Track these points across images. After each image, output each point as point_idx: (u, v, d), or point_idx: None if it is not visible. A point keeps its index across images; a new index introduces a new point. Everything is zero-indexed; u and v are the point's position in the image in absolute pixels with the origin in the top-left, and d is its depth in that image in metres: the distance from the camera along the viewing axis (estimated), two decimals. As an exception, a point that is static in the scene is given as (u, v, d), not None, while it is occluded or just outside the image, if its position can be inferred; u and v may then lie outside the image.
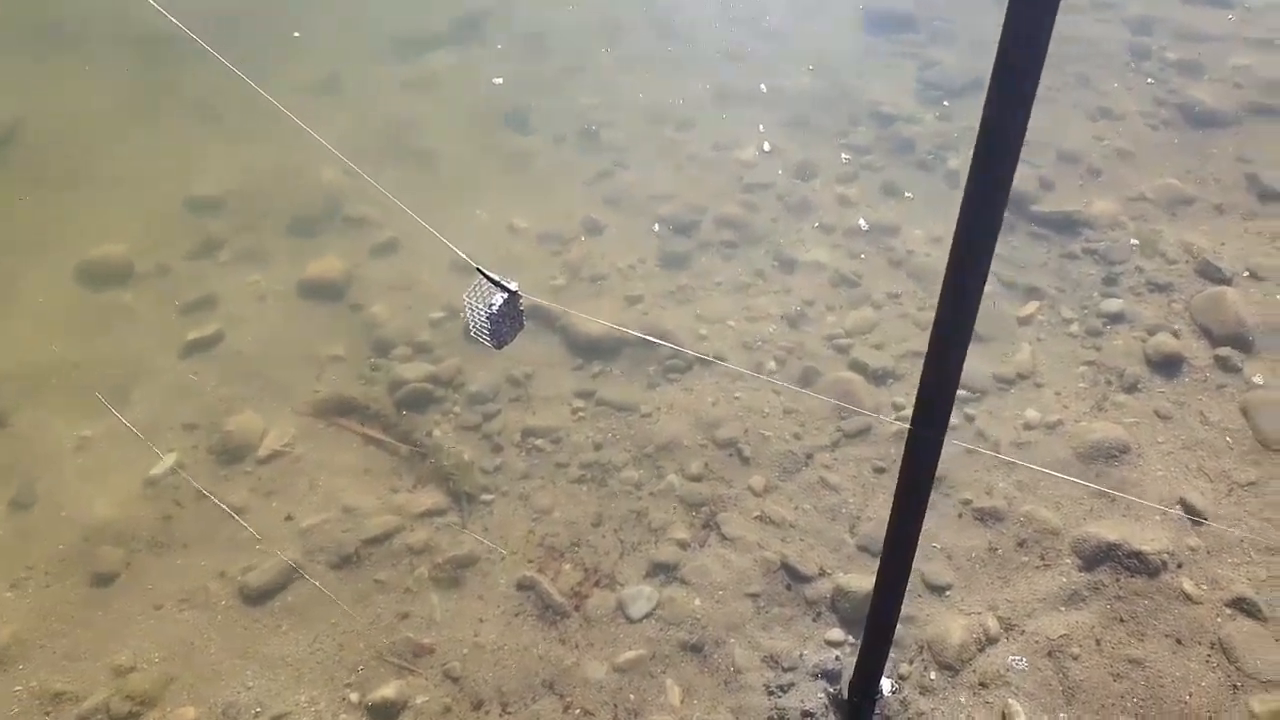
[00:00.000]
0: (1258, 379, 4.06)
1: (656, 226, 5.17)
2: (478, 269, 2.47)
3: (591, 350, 4.49)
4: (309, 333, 4.65)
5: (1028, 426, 4.05)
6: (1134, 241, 4.82)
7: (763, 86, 6.08)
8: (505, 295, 2.44)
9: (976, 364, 4.26)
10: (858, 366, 4.38)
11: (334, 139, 5.92)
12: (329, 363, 4.49)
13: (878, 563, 3.12)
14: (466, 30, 6.70)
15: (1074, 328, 4.47)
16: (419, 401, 4.28)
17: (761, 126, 5.82)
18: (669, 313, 4.69)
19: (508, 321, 2.50)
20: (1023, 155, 5.35)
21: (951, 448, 3.78)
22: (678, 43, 6.60)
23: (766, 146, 5.66)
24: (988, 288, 4.76)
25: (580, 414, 4.23)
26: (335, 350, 4.55)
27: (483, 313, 2.48)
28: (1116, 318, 4.48)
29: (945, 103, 5.90)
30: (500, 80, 6.40)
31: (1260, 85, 5.82)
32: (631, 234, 5.14)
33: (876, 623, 2.78)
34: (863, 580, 3.45)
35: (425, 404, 4.28)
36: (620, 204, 5.35)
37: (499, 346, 2.52)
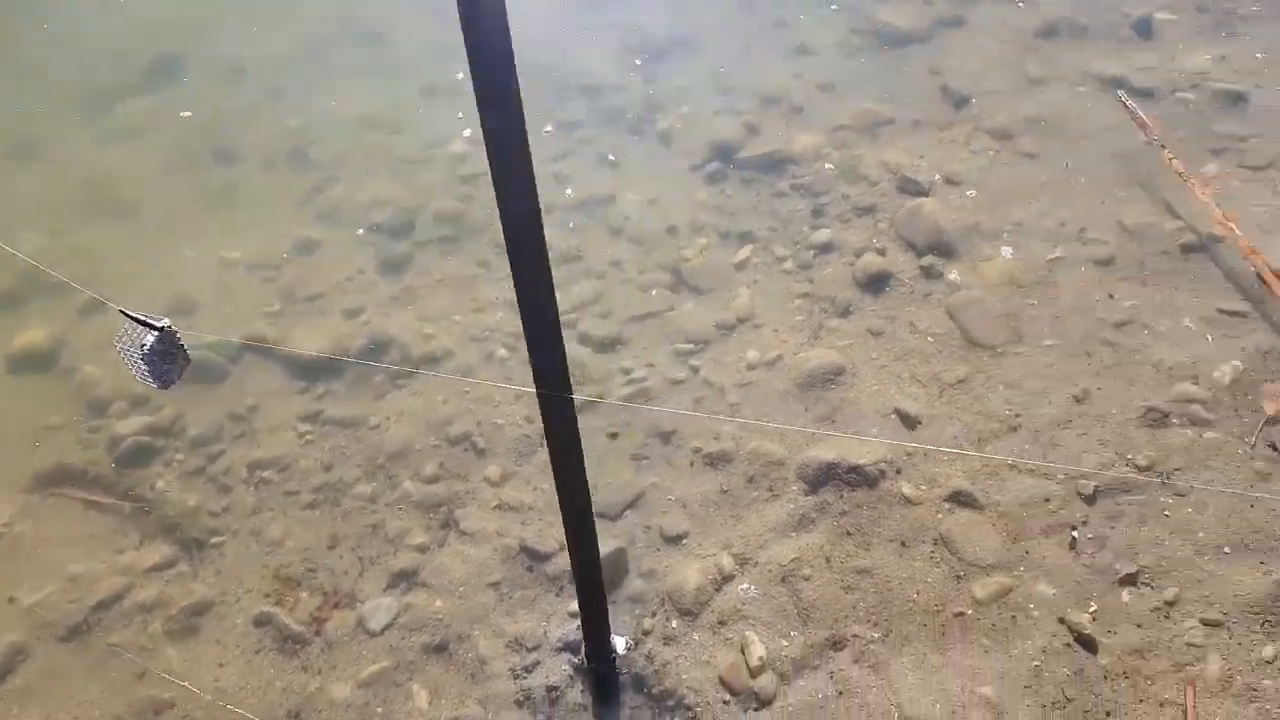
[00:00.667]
0: (959, 279, 4.28)
1: (362, 232, 5.13)
2: (121, 311, 2.41)
3: (314, 371, 4.45)
4: (23, 407, 4.49)
5: (750, 367, 4.18)
6: (828, 167, 5.01)
7: (461, 76, 6.09)
8: (156, 334, 2.39)
9: (700, 316, 4.42)
10: (585, 339, 4.44)
11: (28, 204, 5.69)
12: (45, 433, 4.34)
13: (613, 527, 3.14)
14: (162, 74, 6.52)
15: (788, 264, 4.63)
16: (140, 456, 4.17)
17: (460, 114, 5.81)
18: (392, 318, 4.68)
19: (167, 360, 2.46)
20: (727, 104, 5.53)
21: (682, 399, 3.86)
22: (380, 49, 6.56)
23: (467, 133, 5.66)
24: (703, 240, 4.93)
25: (308, 437, 4.18)
26: (51, 420, 4.41)
27: (136, 355, 2.43)
28: (826, 247, 4.65)
29: (650, 66, 6.02)
30: (189, 114, 6.24)
31: None
32: (347, 246, 5.12)
33: (582, 585, 2.83)
34: (600, 546, 3.51)
35: (147, 457, 4.17)
36: (334, 218, 5.31)
37: (164, 387, 2.47)
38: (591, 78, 5.96)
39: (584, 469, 2.52)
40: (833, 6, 6.15)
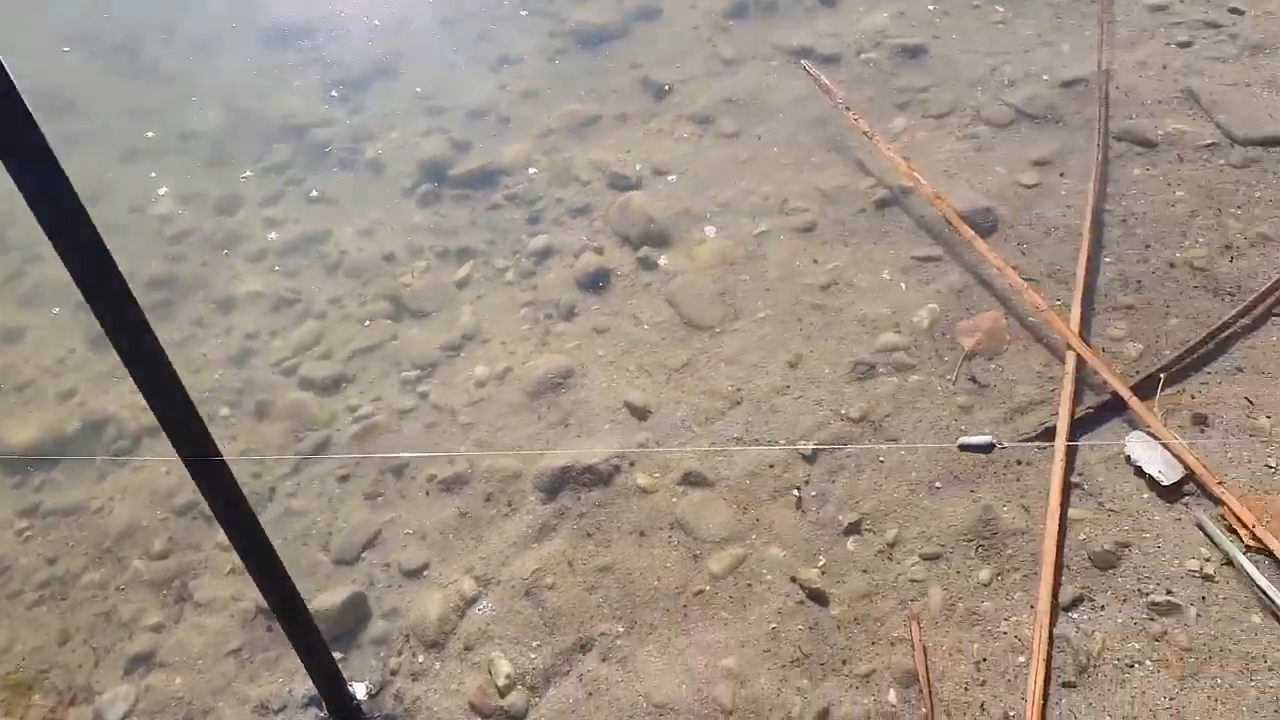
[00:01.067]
0: (674, 266, 4.38)
1: (56, 310, 4.88)
2: None
3: (29, 461, 4.19)
4: None
5: (479, 384, 4.17)
6: (539, 173, 5.05)
7: (151, 134, 5.87)
8: None
9: (425, 340, 4.39)
10: (307, 383, 4.34)
11: None
12: None
13: (351, 571, 3.07)
14: None
15: (509, 275, 4.64)
16: None
17: (153, 173, 5.60)
18: (109, 394, 4.46)
19: None
20: (435, 124, 5.48)
21: (413, 428, 3.81)
22: (71, 117, 6.25)
23: (162, 190, 5.46)
24: (422, 263, 4.89)
25: (28, 534, 3.96)
26: None
27: None
28: (545, 253, 4.68)
29: (353, 96, 5.94)
30: None
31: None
32: (55, 327, 4.84)
33: (295, 637, 2.75)
34: (335, 595, 3.43)
35: None
36: (37, 301, 5.02)
37: None
38: (295, 116, 5.86)
39: (259, 529, 2.46)
40: (523, 12, 6.19)
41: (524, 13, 6.15)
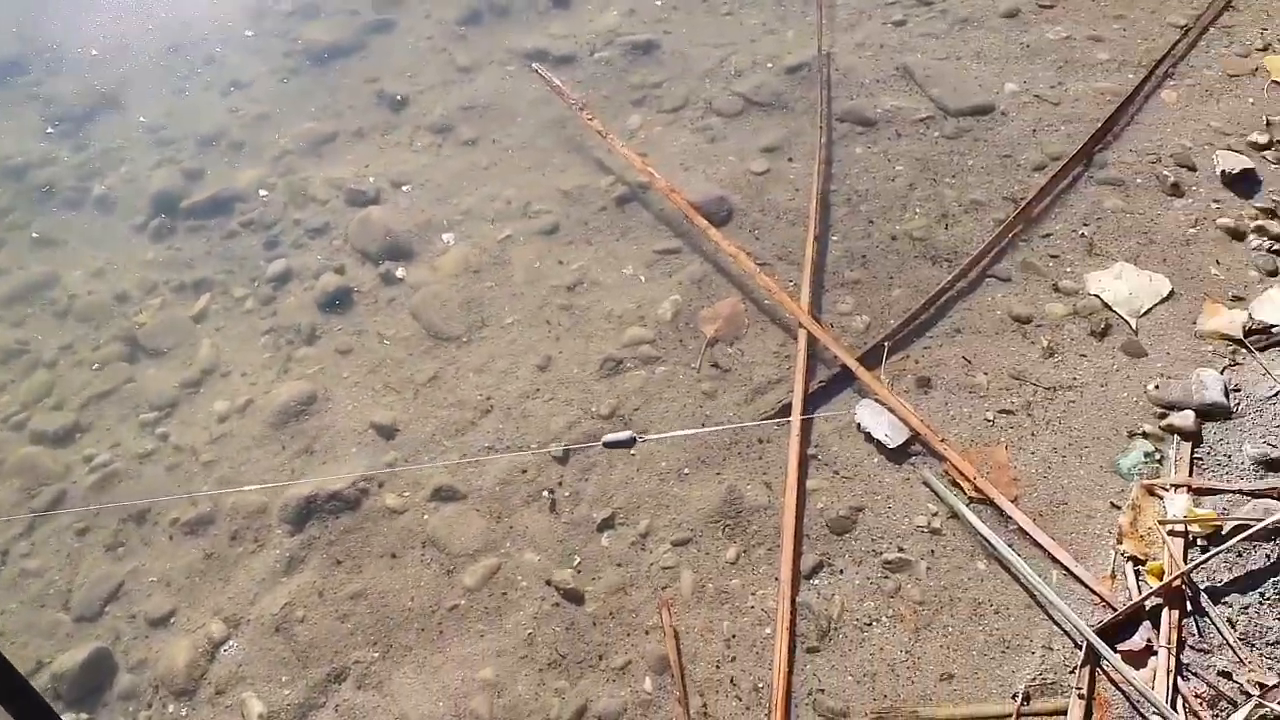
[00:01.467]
0: (417, 279, 4.33)
1: None
2: None
3: None
4: None
5: (220, 419, 4.02)
6: (275, 196, 4.92)
7: None
8: None
9: (162, 379, 4.24)
10: (39, 437, 4.10)
11: None
12: None
13: (94, 627, 2.90)
14: None
15: (249, 303, 4.49)
16: None
17: None
18: None
19: None
20: (166, 155, 5.24)
21: (154, 471, 3.62)
22: None
23: None
24: (156, 301, 4.69)
25: None
26: None
27: None
28: (284, 277, 4.55)
29: (75, 133, 5.64)
30: None
31: (379, 2, 6.16)
32: None
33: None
34: (76, 654, 3.27)
35: None
36: None
37: None
38: (11, 158, 5.53)
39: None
40: (249, 33, 6.03)
41: (250, 33, 5.99)
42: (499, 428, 3.80)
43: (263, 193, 4.95)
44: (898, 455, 3.52)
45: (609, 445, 3.43)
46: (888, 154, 4.56)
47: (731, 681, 3.03)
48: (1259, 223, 4.10)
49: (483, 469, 3.67)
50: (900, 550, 3.27)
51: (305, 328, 4.34)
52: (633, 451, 3.66)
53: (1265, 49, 4.82)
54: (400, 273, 4.47)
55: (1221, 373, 3.59)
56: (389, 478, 3.68)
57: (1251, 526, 3.04)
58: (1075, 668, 2.91)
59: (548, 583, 3.34)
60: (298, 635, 3.31)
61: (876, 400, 3.63)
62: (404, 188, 4.87)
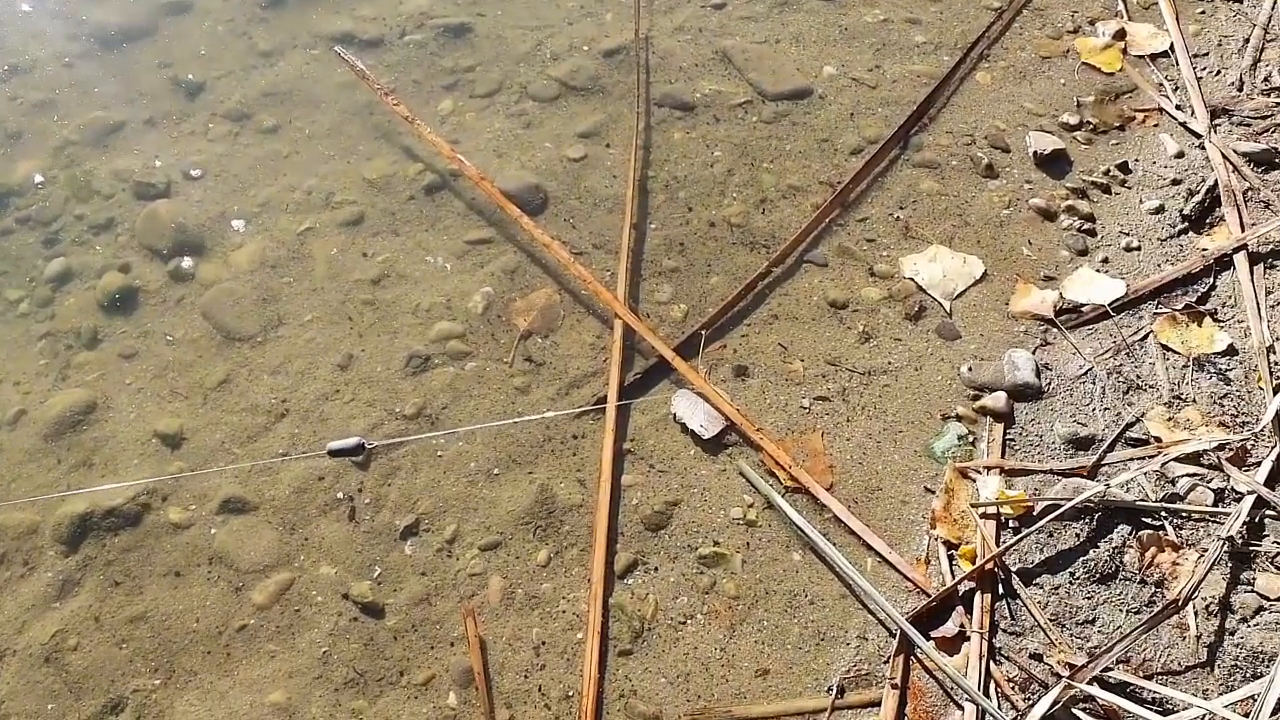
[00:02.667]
0: (208, 275, 4.07)
1: None
2: None
3: None
4: None
5: (-20, 434, 3.66)
6: (54, 190, 4.60)
7: None
8: None
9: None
10: None
11: None
12: None
13: None
14: None
15: (24, 306, 4.16)
16: None
17: None
18: None
19: None
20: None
21: None
22: None
23: None
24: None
25: None
26: None
27: None
28: (64, 277, 4.24)
29: None
30: None
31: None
32: None
33: None
34: None
35: None
36: None
37: None
38: None
39: None
40: (25, 7, 5.62)
41: (27, 8, 5.58)
42: (295, 432, 3.61)
43: (40, 184, 4.61)
44: (713, 446, 3.46)
45: (334, 454, 3.28)
46: (706, 139, 4.50)
47: (540, 691, 2.91)
48: (1069, 203, 4.17)
49: (276, 477, 3.47)
50: (715, 544, 3.20)
51: (86, 331, 4.06)
52: (439, 453, 3.49)
53: (1075, 31, 4.94)
54: (190, 270, 4.20)
55: (1033, 353, 3.63)
56: (173, 490, 3.44)
57: (1061, 506, 3.04)
58: (889, 657, 2.87)
59: (345, 596, 3.17)
60: (70, 665, 3.07)
61: (693, 390, 3.54)
62: (197, 179, 4.60)
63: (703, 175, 4.39)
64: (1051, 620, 2.97)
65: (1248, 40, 4.83)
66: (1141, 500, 3.18)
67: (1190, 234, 4.05)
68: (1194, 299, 3.78)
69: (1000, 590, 3.07)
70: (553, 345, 3.84)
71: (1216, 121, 4.46)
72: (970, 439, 3.45)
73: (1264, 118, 4.46)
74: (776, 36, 5.04)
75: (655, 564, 3.22)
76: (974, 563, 3.07)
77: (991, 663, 2.90)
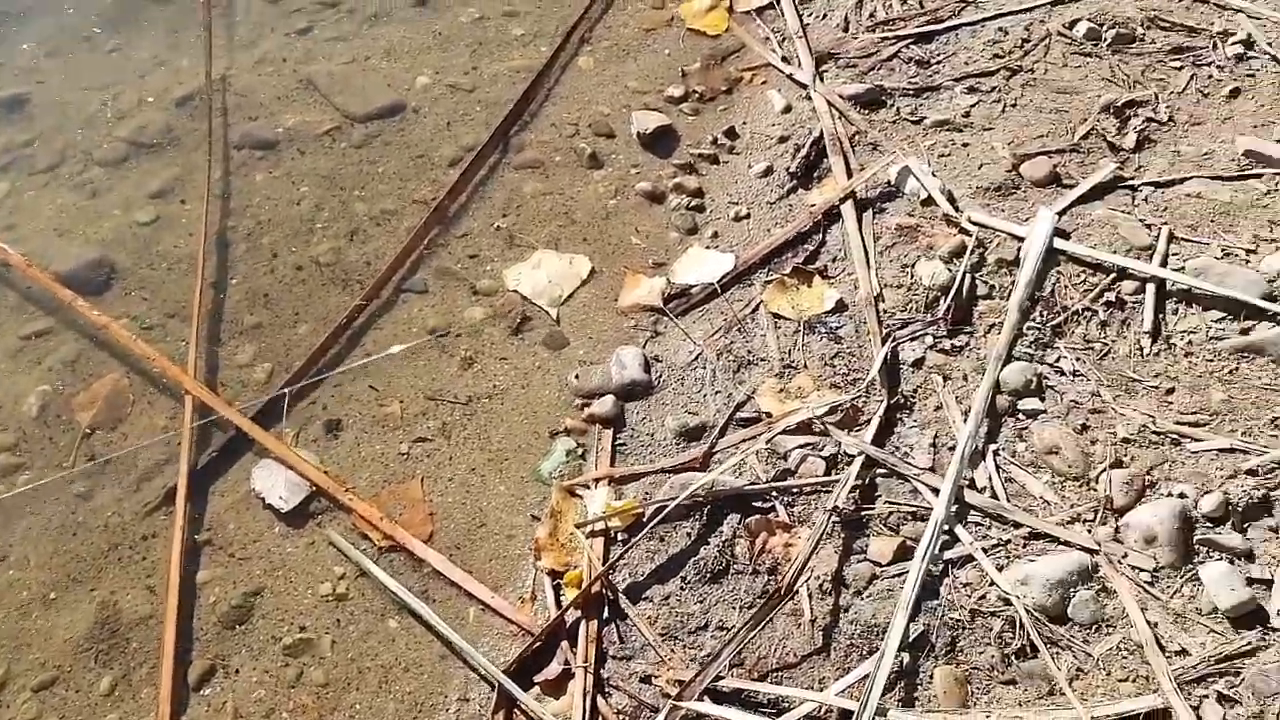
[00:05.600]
0: None
1: None
2: None
3: None
4: None
5: None
6: None
7: None
8: None
9: None
10: None
11: None
12: None
13: None
14: None
15: None
16: None
17: None
18: None
19: None
20: None
21: None
22: None
23: None
24: None
25: None
26: None
27: None
28: None
29: None
30: None
31: None
32: None
33: None
34: None
35: None
36: None
37: None
38: None
39: None
40: None
41: None
42: None
43: None
44: (298, 518, 3.22)
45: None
46: (291, 175, 4.25)
47: None
48: (677, 180, 4.10)
49: None
50: (302, 630, 2.96)
51: None
52: (-4, 587, 3.12)
53: None
54: None
55: (644, 347, 3.52)
56: None
57: (669, 506, 2.90)
58: (489, 715, 2.67)
59: None
60: None
61: (275, 459, 3.26)
62: None
63: (288, 215, 4.15)
64: (663, 635, 2.83)
65: (854, -22, 4.81)
66: (752, 483, 3.05)
67: (800, 191, 4.00)
68: (803, 259, 3.69)
69: (607, 613, 2.88)
70: (121, 437, 3.54)
71: (823, 68, 4.46)
72: (580, 452, 3.31)
73: (869, 55, 4.49)
74: (367, 54, 4.84)
75: (236, 665, 2.95)
76: (580, 588, 2.89)
77: (600, 697, 2.73)
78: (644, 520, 3.09)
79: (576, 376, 3.51)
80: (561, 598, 2.99)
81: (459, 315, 3.77)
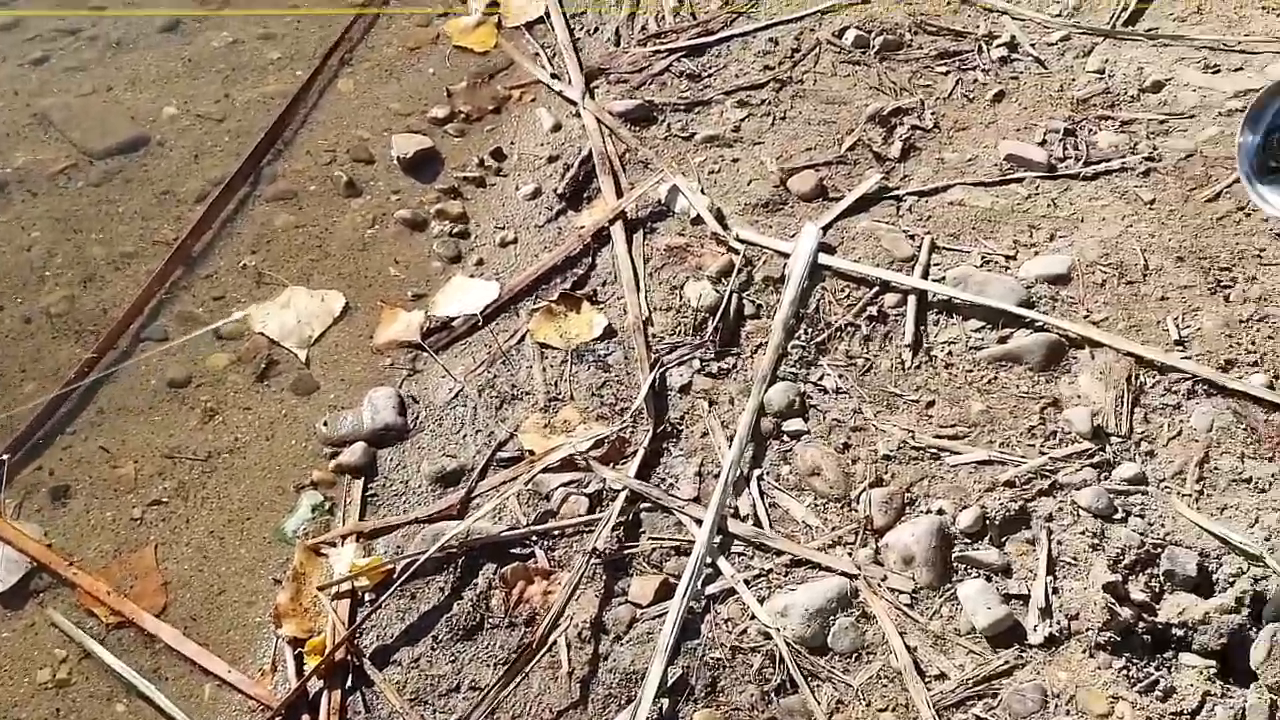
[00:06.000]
0: None
1: None
2: None
3: None
4: None
5: None
6: None
7: None
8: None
9: None
10: None
11: None
12: None
13: None
14: None
15: None
16: None
17: None
18: None
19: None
20: None
21: None
22: None
23: None
24: None
25: None
26: None
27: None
28: None
29: None
30: None
31: None
32: None
33: None
34: None
35: None
36: None
37: None
38: None
39: None
40: None
41: None
42: None
43: None
44: (16, 598, 2.95)
45: None
46: (21, 220, 3.91)
47: None
48: (440, 206, 3.90)
49: None
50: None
51: None
52: None
53: (446, 14, 4.68)
54: None
55: (399, 387, 3.27)
56: None
57: (419, 560, 2.69)
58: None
59: None
60: None
61: None
62: None
63: (17, 264, 3.81)
64: (412, 700, 2.63)
65: (625, -13, 4.68)
66: (511, 529, 2.85)
67: (569, 213, 3.84)
68: (571, 284, 3.51)
69: (352, 681, 2.65)
70: None
71: (594, 84, 4.31)
72: (328, 507, 3.08)
73: (640, 69, 4.35)
74: (109, 84, 4.51)
75: (-62, 772, 2.60)
76: (323, 656, 2.65)
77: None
78: (394, 577, 2.84)
79: (325, 424, 3.29)
80: (304, 667, 2.74)
81: (202, 363, 3.54)
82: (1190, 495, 2.84)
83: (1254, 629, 2.61)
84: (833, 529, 2.89)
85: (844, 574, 2.78)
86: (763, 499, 2.97)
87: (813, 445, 3.04)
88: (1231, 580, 2.69)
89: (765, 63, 4.31)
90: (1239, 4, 4.25)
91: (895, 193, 3.73)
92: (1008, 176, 3.71)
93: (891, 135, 3.94)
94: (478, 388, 3.36)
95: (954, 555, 2.78)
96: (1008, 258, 3.42)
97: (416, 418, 3.34)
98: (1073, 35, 4.22)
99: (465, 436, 3.26)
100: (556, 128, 4.24)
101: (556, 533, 2.98)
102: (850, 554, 2.83)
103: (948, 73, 4.19)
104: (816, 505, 2.94)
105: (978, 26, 4.32)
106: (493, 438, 3.23)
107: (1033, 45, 4.20)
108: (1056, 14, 4.32)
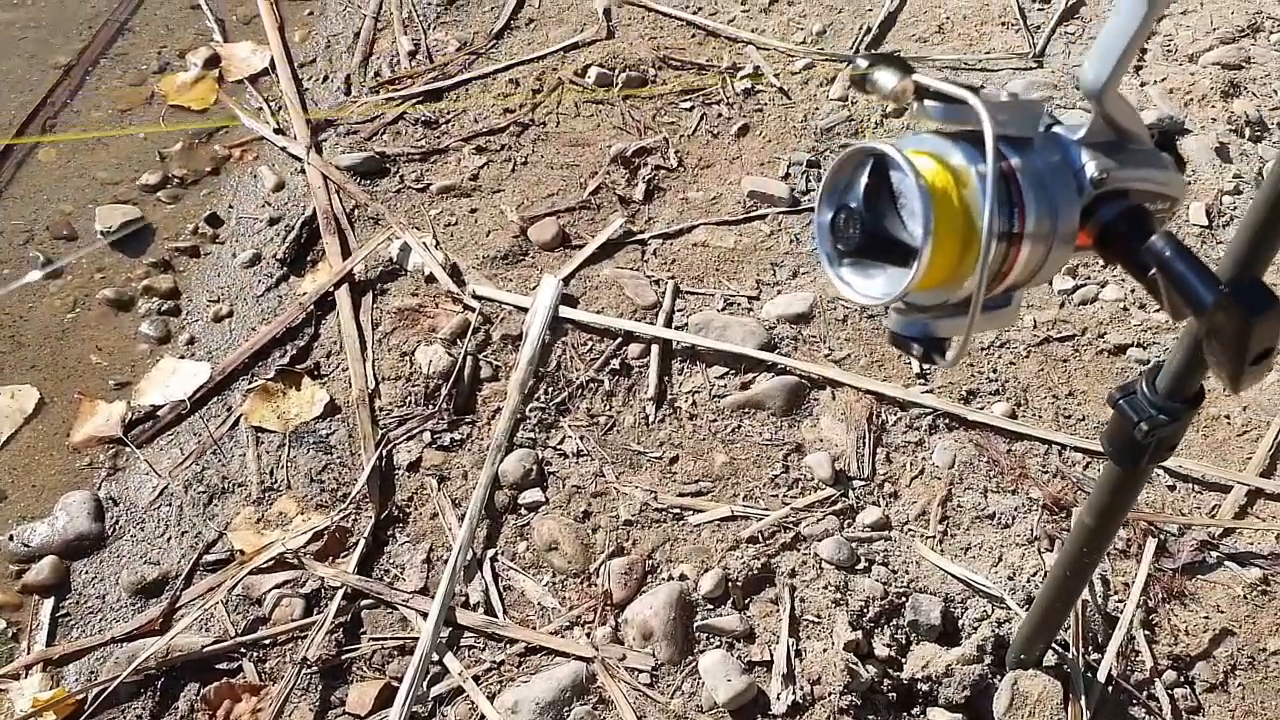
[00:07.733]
0: None
1: None
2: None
3: None
4: None
5: None
6: None
7: None
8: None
9: None
10: None
11: None
12: None
13: None
14: None
15: None
16: None
17: None
18: None
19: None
20: None
21: None
22: None
23: None
24: None
25: None
26: None
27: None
28: None
29: None
30: None
31: None
32: None
33: None
34: None
35: None
36: None
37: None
38: None
39: None
40: None
41: None
42: None
43: None
44: None
45: None
46: None
47: None
48: (148, 281, 3.61)
49: None
50: None
51: None
52: None
53: (162, 70, 4.40)
54: None
55: (97, 489, 2.95)
56: None
57: (110, 687, 2.40)
58: None
59: None
60: None
61: None
62: None
63: None
64: None
65: (358, 34, 4.46)
66: (216, 641, 2.57)
67: (291, 279, 3.56)
68: (289, 358, 3.24)
69: None
70: None
71: (321, 137, 4.04)
72: (12, 634, 2.70)
73: (372, 119, 4.14)
74: None
75: None
76: None
77: None
78: (84, 709, 2.54)
79: (12, 538, 2.96)
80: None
81: None
82: (934, 537, 2.76)
83: (997, 676, 2.51)
84: (570, 608, 2.71)
85: (580, 658, 2.60)
86: (496, 582, 2.78)
87: (550, 517, 2.87)
88: (975, 625, 2.60)
89: (505, 105, 4.15)
90: (980, 21, 4.28)
91: (639, 236, 3.60)
92: (750, 214, 3.63)
93: (635, 176, 3.82)
94: (184, 483, 3.09)
95: (696, 624, 2.64)
96: (750, 299, 3.32)
97: (116, 522, 3.06)
98: (816, 63, 4.16)
99: (169, 540, 3.00)
100: (279, 187, 4.01)
101: (268, 641, 2.73)
102: (589, 634, 2.66)
103: (692, 108, 4.10)
104: (555, 583, 2.76)
105: (722, 59, 4.24)
106: (200, 539, 2.98)
107: (776, 75, 4.15)
108: (800, 41, 4.27)
